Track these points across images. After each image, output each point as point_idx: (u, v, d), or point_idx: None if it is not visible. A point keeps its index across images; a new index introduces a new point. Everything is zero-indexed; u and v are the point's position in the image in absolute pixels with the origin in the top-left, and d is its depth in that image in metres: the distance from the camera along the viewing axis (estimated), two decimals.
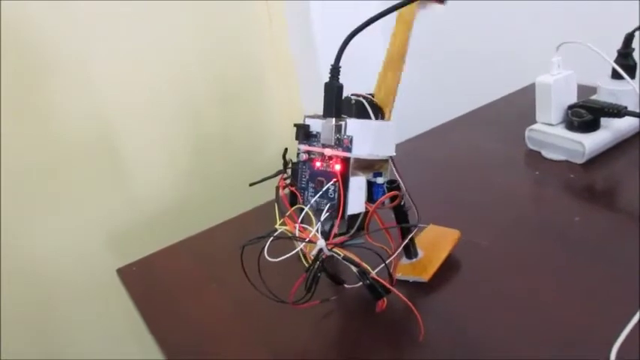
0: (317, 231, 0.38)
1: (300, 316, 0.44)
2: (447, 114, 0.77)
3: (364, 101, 0.42)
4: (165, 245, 0.57)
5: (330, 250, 0.38)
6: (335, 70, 0.39)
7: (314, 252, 0.38)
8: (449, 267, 0.47)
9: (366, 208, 0.41)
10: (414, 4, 0.42)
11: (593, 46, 0.58)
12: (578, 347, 0.37)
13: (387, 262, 0.40)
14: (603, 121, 0.61)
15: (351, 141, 0.38)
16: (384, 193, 0.41)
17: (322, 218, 0.39)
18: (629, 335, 0.37)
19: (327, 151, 0.39)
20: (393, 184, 0.42)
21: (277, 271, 0.38)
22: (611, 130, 0.61)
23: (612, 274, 0.43)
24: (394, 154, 0.42)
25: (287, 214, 0.40)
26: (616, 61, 0.62)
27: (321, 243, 0.37)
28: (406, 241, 0.44)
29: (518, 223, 0.52)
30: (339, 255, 0.38)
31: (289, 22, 1.03)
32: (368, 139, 0.40)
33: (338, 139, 0.39)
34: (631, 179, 0.55)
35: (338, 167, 0.39)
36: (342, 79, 0.39)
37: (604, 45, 0.59)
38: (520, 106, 0.73)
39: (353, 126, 0.39)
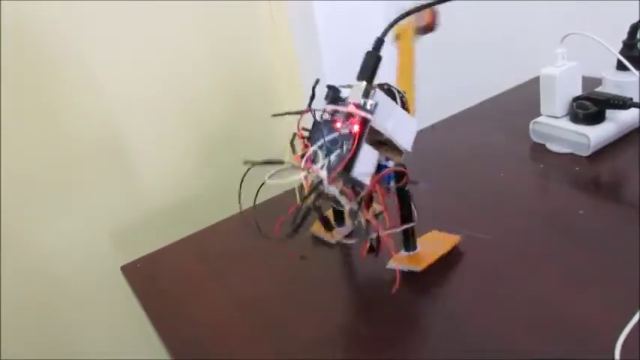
0: (322, 167, 0.39)
1: (304, 312, 0.44)
2: (452, 107, 0.76)
3: (397, 92, 0.44)
4: (168, 242, 0.57)
5: (329, 183, 0.38)
6: (379, 42, 0.41)
7: (318, 179, 0.38)
8: (452, 260, 0.47)
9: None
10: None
11: (597, 37, 0.58)
12: (582, 341, 0.37)
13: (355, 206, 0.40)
14: (608, 113, 0.60)
15: (375, 106, 0.40)
16: (390, 177, 0.43)
17: (331, 158, 0.39)
18: (633, 330, 0.36)
19: (350, 108, 0.40)
20: (402, 166, 0.43)
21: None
22: (617, 122, 0.60)
23: (617, 268, 0.43)
24: (409, 149, 0.43)
25: (306, 154, 0.40)
26: (621, 53, 0.61)
27: (322, 174, 0.38)
28: (410, 225, 0.45)
29: (523, 216, 0.51)
30: (337, 189, 0.39)
31: (292, 21, 1.03)
32: (390, 118, 0.41)
33: (364, 102, 0.40)
34: (636, 172, 0.55)
35: (356, 128, 0.40)
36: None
37: (609, 36, 0.59)
38: (524, 98, 0.72)
39: (380, 97, 0.41)
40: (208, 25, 0.97)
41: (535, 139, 0.64)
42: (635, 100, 0.58)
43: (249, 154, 1.09)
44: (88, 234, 0.93)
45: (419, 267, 0.45)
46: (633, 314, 0.37)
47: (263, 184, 0.41)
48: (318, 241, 0.52)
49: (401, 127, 0.42)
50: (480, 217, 0.52)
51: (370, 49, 0.41)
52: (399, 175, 0.43)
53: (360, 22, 1.00)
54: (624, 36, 0.62)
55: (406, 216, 0.45)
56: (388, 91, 0.44)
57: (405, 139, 0.43)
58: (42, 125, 0.85)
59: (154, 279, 0.52)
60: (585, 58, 0.61)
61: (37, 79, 0.82)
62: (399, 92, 0.44)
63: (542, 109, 0.63)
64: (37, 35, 0.81)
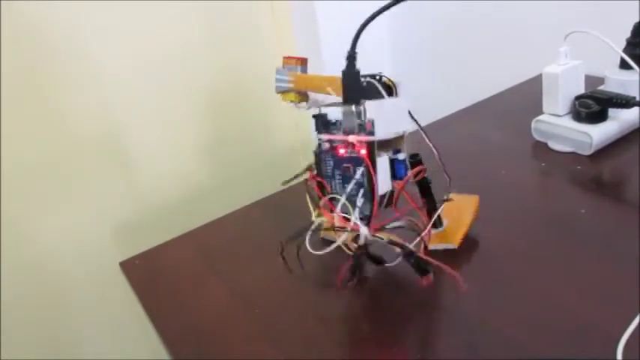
0: (356, 219, 0.39)
1: (307, 310, 0.44)
2: (453, 105, 0.76)
3: (375, 82, 0.43)
4: (169, 238, 0.57)
5: (373, 236, 0.38)
6: (351, 57, 0.40)
7: (361, 241, 0.39)
8: (453, 259, 0.46)
9: (393, 186, 0.42)
10: None
11: (601, 35, 0.57)
12: (584, 342, 0.37)
13: (422, 235, 0.41)
14: (611, 111, 0.60)
15: (372, 124, 0.39)
16: (406, 169, 0.42)
17: (359, 204, 0.40)
18: (635, 331, 0.36)
19: (352, 138, 0.40)
20: (415, 158, 0.43)
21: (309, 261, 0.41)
22: (619, 121, 0.60)
23: (619, 267, 0.43)
24: (410, 128, 0.43)
25: (321, 203, 0.41)
26: (625, 51, 0.61)
27: (363, 231, 0.38)
28: (438, 212, 0.45)
29: (524, 215, 0.51)
30: (382, 239, 0.39)
31: (293, 19, 1.03)
32: (386, 118, 0.41)
33: (360, 124, 0.39)
34: (639, 171, 0.55)
35: (364, 152, 0.39)
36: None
37: (612, 34, 0.58)
38: (527, 96, 0.72)
39: (371, 109, 0.40)
40: (210, 22, 0.97)
41: (537, 137, 0.64)
42: (639, 99, 0.58)
43: (249, 151, 1.10)
44: (88, 230, 0.93)
45: (454, 243, 0.45)
46: (636, 314, 0.37)
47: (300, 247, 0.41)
48: (325, 241, 0.52)
49: (396, 116, 0.42)
50: (481, 216, 0.51)
51: (344, 69, 0.40)
52: (413, 164, 0.43)
53: (361, 19, 1.00)
54: (628, 34, 0.62)
55: (431, 207, 0.45)
56: (368, 86, 0.43)
57: (402, 124, 0.43)
58: (42, 120, 0.85)
59: (153, 275, 0.52)
60: (588, 57, 0.61)
61: (37, 73, 0.82)
62: (375, 79, 0.44)
63: (545, 108, 0.63)
64: (38, 29, 0.81)
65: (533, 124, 0.63)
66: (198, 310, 0.46)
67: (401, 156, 0.42)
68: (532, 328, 0.39)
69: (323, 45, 0.98)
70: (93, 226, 0.93)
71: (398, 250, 0.41)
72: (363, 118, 0.39)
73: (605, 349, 0.36)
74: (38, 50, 0.81)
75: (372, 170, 0.39)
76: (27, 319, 0.91)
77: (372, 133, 0.39)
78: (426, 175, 0.44)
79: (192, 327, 0.45)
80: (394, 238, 0.39)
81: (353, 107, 0.39)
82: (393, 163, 0.42)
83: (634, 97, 0.57)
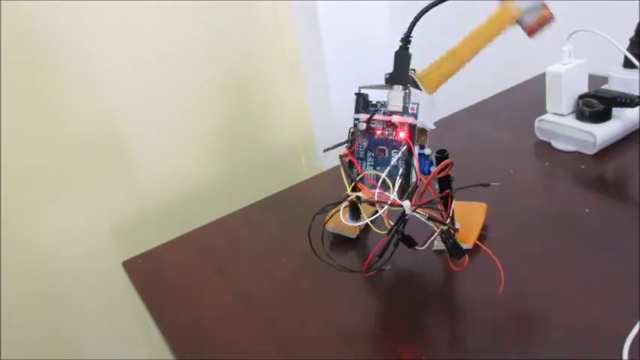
0: (396, 194, 0.39)
1: (308, 309, 0.44)
2: (455, 104, 0.76)
3: (413, 75, 0.43)
4: (170, 238, 0.57)
5: (413, 210, 0.38)
6: (406, 40, 0.40)
7: (407, 211, 0.38)
8: None
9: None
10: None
11: (605, 34, 0.57)
12: (589, 341, 0.37)
13: (445, 226, 0.40)
14: (615, 111, 0.60)
15: (417, 108, 0.40)
16: (430, 164, 0.43)
17: (398, 183, 0.40)
18: None
19: (396, 118, 0.40)
20: (443, 154, 0.43)
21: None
22: (623, 120, 0.60)
23: (624, 266, 0.42)
24: (434, 127, 0.43)
25: (358, 178, 0.41)
26: (628, 50, 0.61)
27: (406, 204, 0.38)
28: (451, 209, 0.45)
29: (528, 214, 0.51)
30: (424, 215, 0.39)
31: (294, 19, 1.03)
32: (423, 108, 0.41)
33: (404, 106, 0.40)
34: None
35: (403, 135, 0.40)
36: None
37: (616, 33, 0.58)
38: (530, 96, 0.72)
39: (414, 95, 0.41)
40: (211, 22, 0.97)
41: (540, 136, 0.63)
42: None
43: (249, 151, 1.09)
44: (88, 230, 0.92)
45: (469, 243, 0.45)
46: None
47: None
48: (331, 236, 0.52)
49: (430, 111, 0.42)
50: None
51: (398, 50, 0.40)
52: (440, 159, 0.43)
53: (363, 19, 1.00)
54: (631, 33, 0.62)
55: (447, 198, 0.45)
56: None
57: (432, 120, 0.43)
58: (42, 120, 0.84)
59: (156, 275, 0.52)
60: (592, 56, 0.60)
61: (35, 73, 0.82)
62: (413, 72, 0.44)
63: (548, 107, 0.63)
64: (38, 29, 0.80)
65: (536, 124, 0.63)
66: (200, 309, 0.46)
67: (427, 151, 0.43)
68: (536, 327, 0.38)
69: (324, 45, 0.98)
70: (93, 226, 0.93)
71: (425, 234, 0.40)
72: (407, 101, 0.40)
73: (610, 348, 0.35)
74: (38, 50, 0.81)
75: (413, 150, 0.40)
76: (27, 319, 0.91)
77: (415, 117, 0.40)
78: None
79: (195, 326, 0.44)
80: (435, 214, 0.39)
81: (401, 87, 0.40)
82: (418, 157, 0.42)
83: (638, 96, 0.57)
